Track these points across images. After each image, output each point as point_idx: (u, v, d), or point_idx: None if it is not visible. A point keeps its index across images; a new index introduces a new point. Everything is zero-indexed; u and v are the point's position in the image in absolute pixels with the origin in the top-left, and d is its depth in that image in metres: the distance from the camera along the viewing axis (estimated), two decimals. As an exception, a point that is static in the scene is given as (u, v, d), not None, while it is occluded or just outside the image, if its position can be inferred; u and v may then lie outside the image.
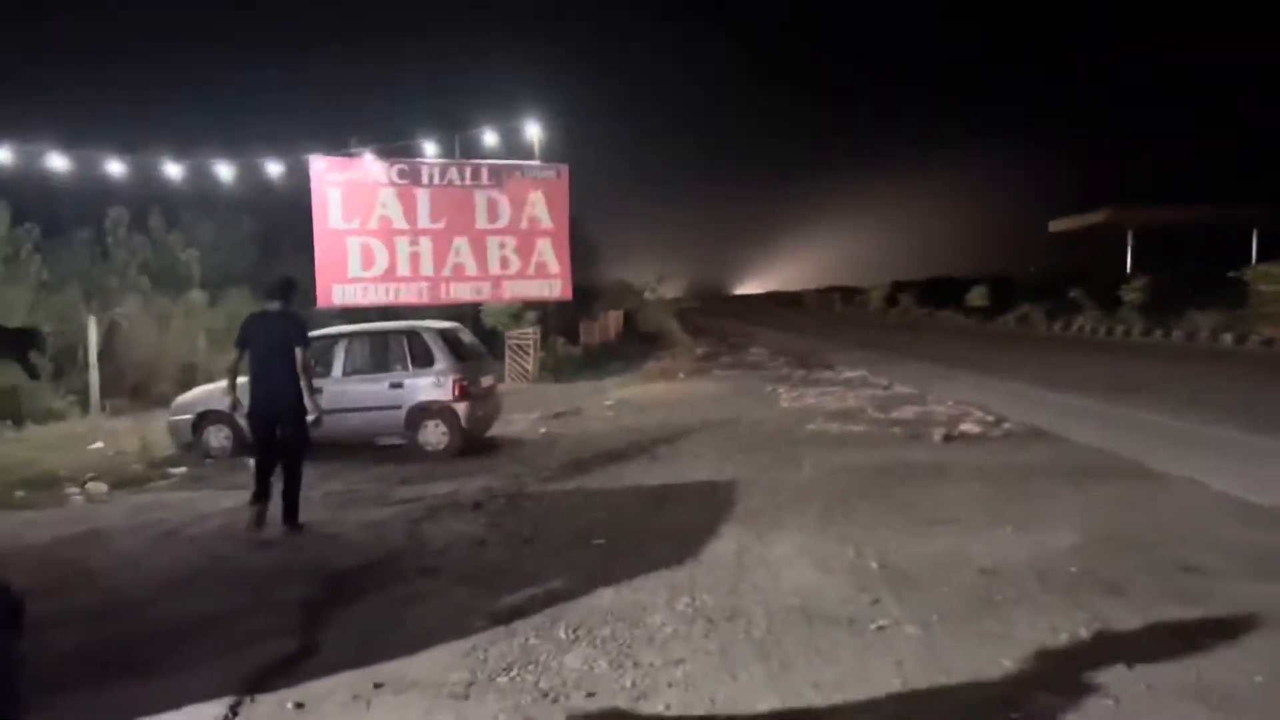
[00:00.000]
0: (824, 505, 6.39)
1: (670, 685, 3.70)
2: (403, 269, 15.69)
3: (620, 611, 4.42)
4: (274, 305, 6.32)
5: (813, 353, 20.65)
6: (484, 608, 4.65)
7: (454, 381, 9.49)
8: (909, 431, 9.46)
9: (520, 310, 19.49)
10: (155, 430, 10.52)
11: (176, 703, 3.50)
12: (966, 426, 9.60)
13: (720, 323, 42.49)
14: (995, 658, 3.81)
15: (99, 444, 10.63)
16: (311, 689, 3.57)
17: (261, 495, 6.30)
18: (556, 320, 21.04)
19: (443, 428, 9.47)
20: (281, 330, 6.25)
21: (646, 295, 37.61)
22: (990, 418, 10.06)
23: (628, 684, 3.72)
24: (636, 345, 24.55)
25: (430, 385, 9.45)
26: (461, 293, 15.98)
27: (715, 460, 8.48)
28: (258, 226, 21.68)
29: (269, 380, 6.22)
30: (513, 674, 3.89)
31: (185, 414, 10.01)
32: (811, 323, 40.04)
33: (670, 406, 12.70)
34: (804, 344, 24.95)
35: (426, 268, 15.81)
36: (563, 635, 4.30)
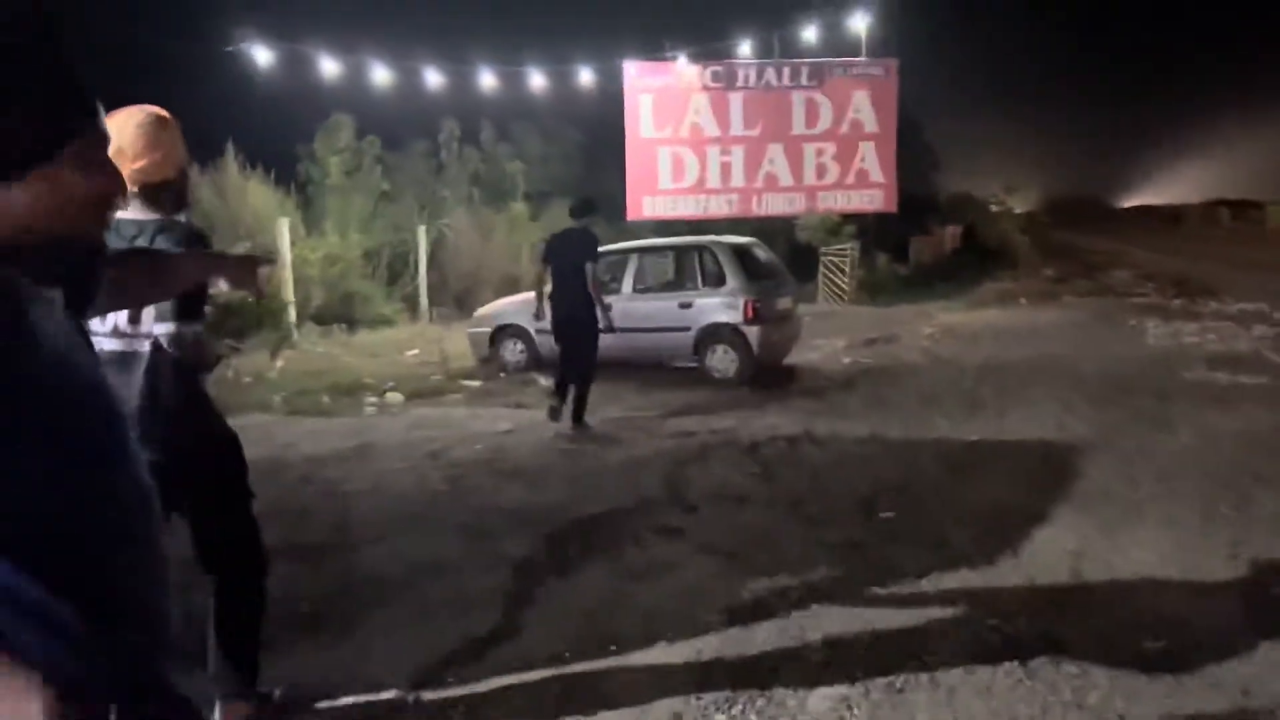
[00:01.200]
0: (1205, 490, 4.96)
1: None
2: (713, 180, 15.37)
3: (898, 633, 3.32)
4: (578, 223, 6.85)
5: (1191, 278, 18.18)
6: (721, 597, 3.72)
7: (746, 303, 8.95)
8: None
9: (838, 224, 18.62)
10: (461, 340, 10.83)
11: (347, 685, 3.04)
12: None
13: (1078, 240, 37.94)
14: None
15: (415, 351, 11.41)
16: (484, 690, 2.93)
17: (560, 393, 6.98)
18: (879, 235, 19.75)
19: (732, 353, 9.03)
20: (577, 247, 6.76)
21: (992, 208, 34.12)
22: None
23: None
24: (974, 265, 23.12)
25: (720, 306, 9.01)
26: (774, 205, 15.33)
27: (1053, 413, 7.11)
28: (582, 138, 21.89)
29: (565, 294, 6.79)
30: (735, 711, 2.85)
31: (483, 327, 10.28)
32: (1192, 242, 35.17)
33: (1004, 338, 11.72)
34: (1180, 266, 21.79)
35: (737, 178, 15.37)
36: (813, 656, 3.18)
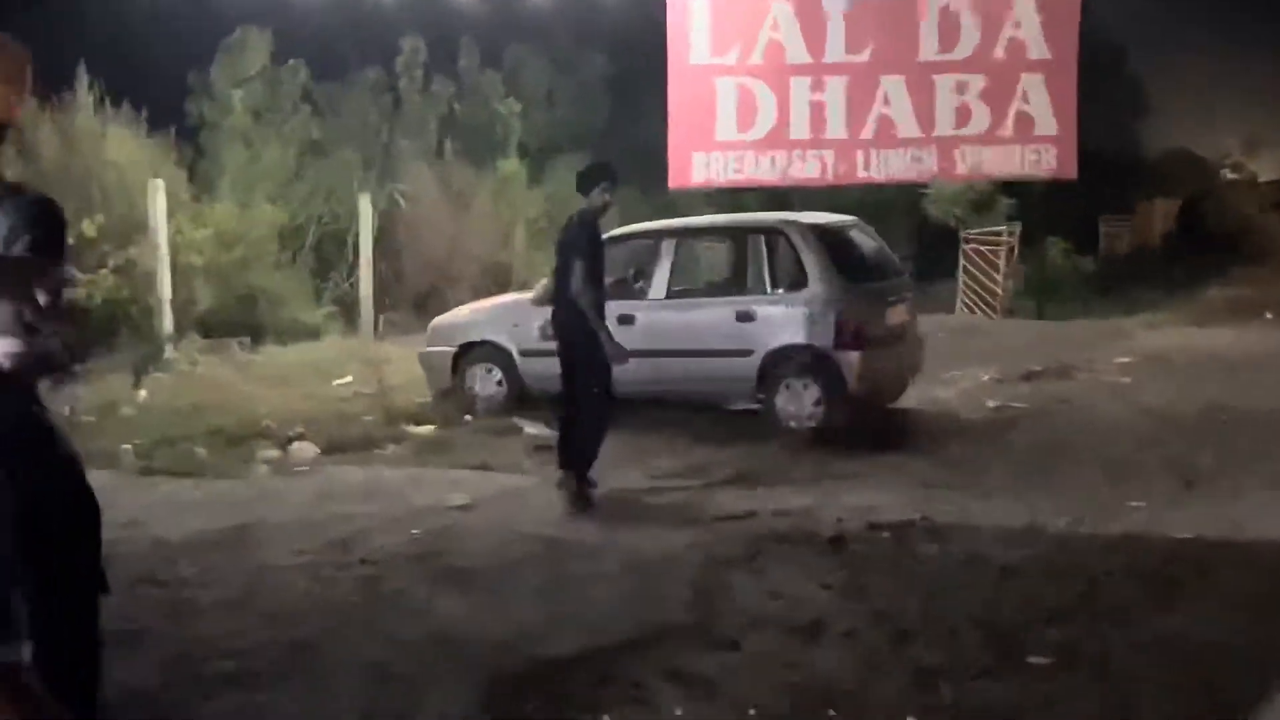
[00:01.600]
0: None
1: None
2: (798, 128, 14.71)
3: None
4: (585, 199, 7.25)
5: None
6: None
7: (837, 314, 8.91)
8: None
9: (988, 195, 18.82)
10: (414, 364, 10.87)
11: None
12: None
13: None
14: None
15: (347, 379, 11.47)
16: None
17: (571, 460, 7.22)
18: (1051, 214, 19.73)
19: (814, 391, 9.02)
20: (569, 235, 7.16)
21: (1225, 175, 33.58)
22: None
23: None
24: (1196, 259, 22.77)
25: (798, 319, 9.02)
26: (891, 165, 14.61)
27: (1321, 498, 6.84)
28: (607, 67, 22.08)
29: (560, 303, 7.24)
30: None
31: (443, 345, 10.31)
32: None
33: (1240, 374, 11.68)
34: None
35: (836, 126, 14.80)
36: None
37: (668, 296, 9.46)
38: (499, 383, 9.96)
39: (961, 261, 18.47)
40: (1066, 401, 10.41)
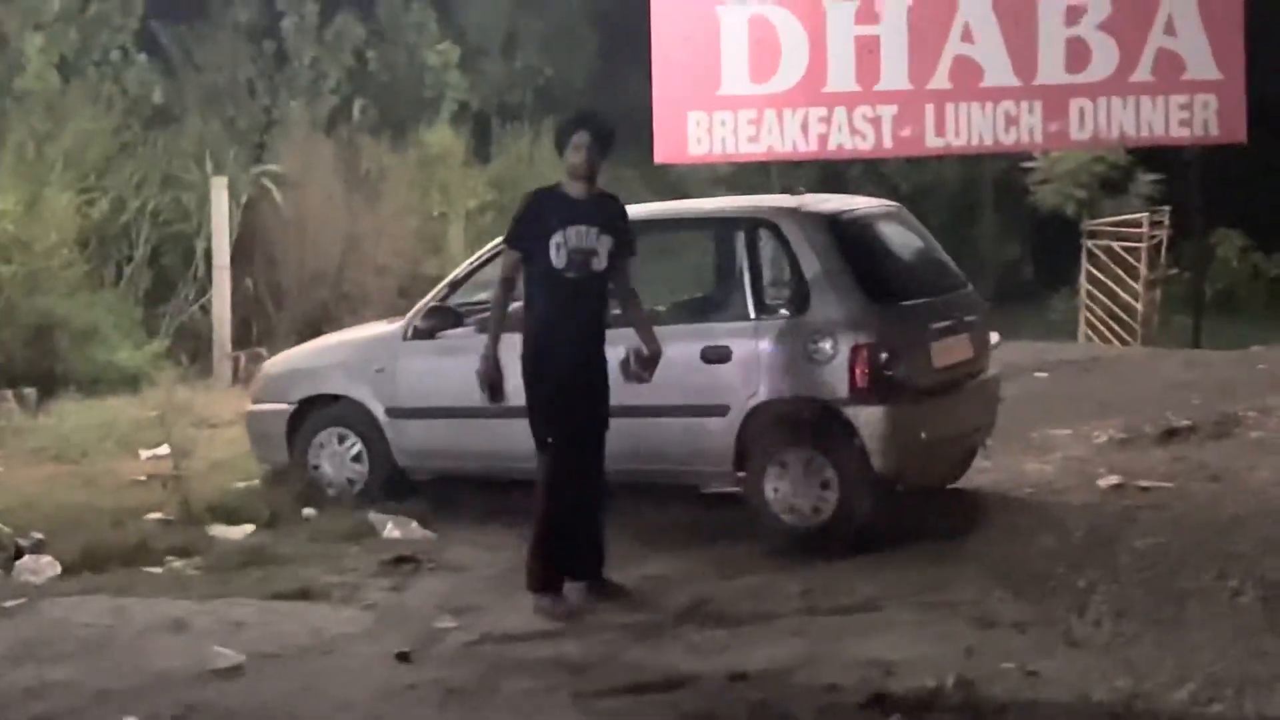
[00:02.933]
0: None
1: None
2: (840, 76, 15.46)
3: None
4: (573, 170, 7.26)
5: None
6: None
7: (854, 351, 8.19)
8: None
9: (1123, 168, 18.51)
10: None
11: None
12: None
13: None
14: None
15: (159, 450, 11.04)
16: None
17: (565, 566, 7.36)
18: (1212, 194, 18.71)
19: (820, 468, 8.36)
20: (595, 222, 7.22)
21: None
22: None
23: None
24: None
25: (792, 358, 8.42)
26: (976, 128, 15.18)
27: None
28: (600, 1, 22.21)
29: (573, 325, 7.32)
30: None
31: (274, 401, 9.97)
32: None
33: None
34: None
35: (895, 74, 15.09)
36: None
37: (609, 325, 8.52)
38: (356, 458, 9.48)
39: (1084, 266, 17.79)
40: (1220, 479, 9.63)
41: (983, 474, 9.77)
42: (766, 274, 8.70)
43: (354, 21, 19.52)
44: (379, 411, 9.21)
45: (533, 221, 7.23)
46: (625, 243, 7.32)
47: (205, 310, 15.20)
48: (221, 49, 18.41)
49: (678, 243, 10.02)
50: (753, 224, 8.75)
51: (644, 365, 7.42)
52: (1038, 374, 13.39)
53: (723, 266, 9.23)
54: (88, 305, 14.02)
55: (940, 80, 14.52)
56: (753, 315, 8.56)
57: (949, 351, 8.79)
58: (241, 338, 15.21)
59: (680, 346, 8.44)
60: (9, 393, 12.61)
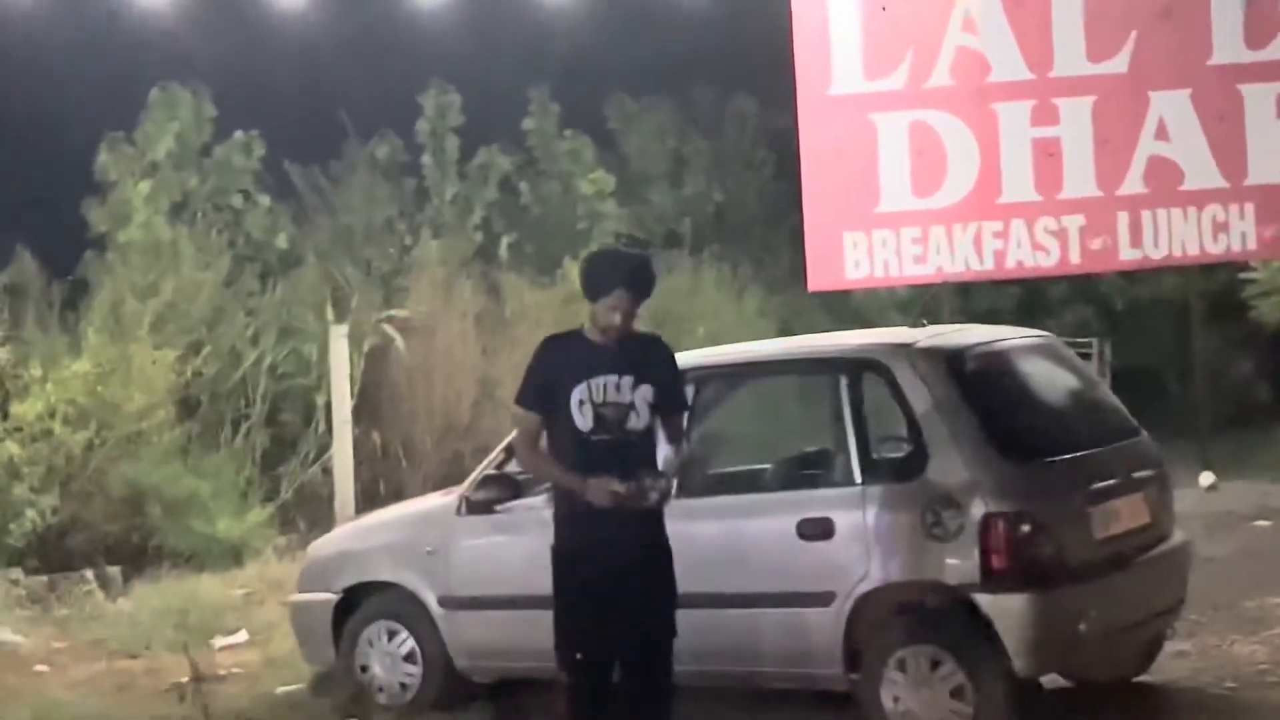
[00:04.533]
0: None
1: None
2: (1016, 184, 15.35)
3: None
4: (607, 309, 6.22)
5: None
6: None
7: (986, 520, 7.13)
8: None
9: None
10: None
11: None
12: None
13: None
14: None
15: (237, 636, 10.94)
16: None
17: None
18: None
19: (950, 669, 7.22)
20: (629, 370, 6.21)
21: None
22: None
23: None
24: None
25: (909, 532, 7.36)
26: (1179, 236, 14.13)
27: None
28: (776, 120, 21.70)
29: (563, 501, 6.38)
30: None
31: (316, 589, 9.23)
32: None
33: None
34: None
35: (1081, 179, 14.93)
36: None
37: (680, 494, 7.35)
38: (409, 657, 8.46)
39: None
40: None
41: (1178, 659, 8.50)
42: (875, 428, 7.58)
43: (498, 153, 19.33)
44: (431, 601, 8.26)
45: (547, 374, 6.09)
46: (672, 393, 6.18)
47: (327, 471, 14.62)
48: (358, 189, 18.25)
49: (765, 392, 8.86)
50: (856, 366, 7.63)
51: (652, 483, 6.04)
52: (1259, 523, 12.14)
53: (821, 420, 8.09)
54: (183, 472, 13.62)
55: (1134, 184, 13.78)
56: (859, 479, 7.43)
57: (1115, 518, 7.58)
58: (370, 497, 14.50)
59: (771, 520, 7.55)
60: (89, 573, 12.14)
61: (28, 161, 15.25)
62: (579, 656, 5.99)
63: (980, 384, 7.53)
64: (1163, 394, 19.81)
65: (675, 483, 6.24)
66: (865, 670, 7.24)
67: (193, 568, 12.82)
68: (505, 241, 18.60)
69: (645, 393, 6.01)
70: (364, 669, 8.55)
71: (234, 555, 13.18)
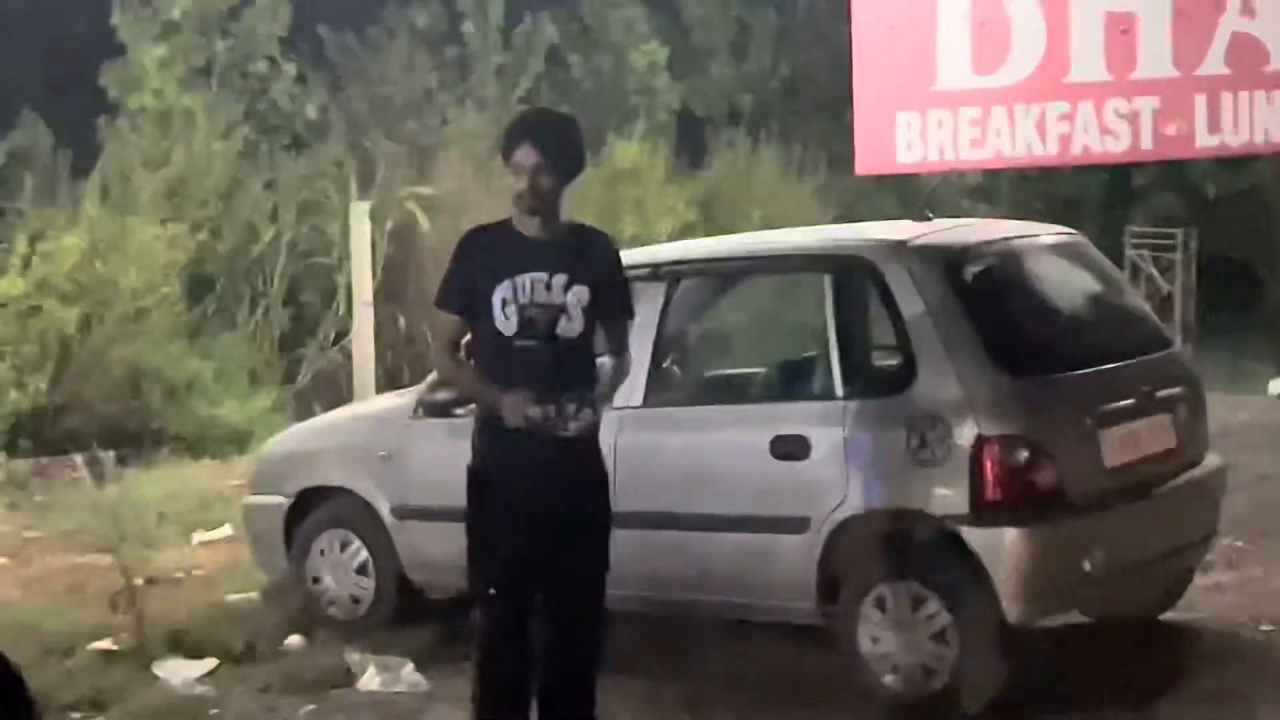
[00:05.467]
0: None
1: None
2: (1086, 63, 13.70)
3: None
4: (521, 199, 5.65)
5: None
6: None
7: (978, 444, 6.43)
8: None
9: None
10: None
11: None
12: None
13: None
14: None
15: (221, 531, 10.64)
16: None
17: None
18: None
19: (939, 614, 6.58)
20: (561, 268, 5.58)
21: None
22: None
23: None
24: None
25: (893, 454, 6.70)
26: (1261, 122, 12.81)
27: None
28: None
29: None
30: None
31: (268, 492, 8.78)
32: None
33: None
34: None
35: (1156, 59, 13.29)
36: None
37: (647, 403, 7.11)
38: (362, 569, 7.97)
39: None
40: None
41: (1213, 593, 7.88)
42: (860, 336, 6.86)
43: (546, 22, 18.71)
44: (385, 510, 7.74)
45: (469, 269, 5.48)
46: (613, 296, 5.50)
47: (347, 354, 14.35)
48: (395, 57, 17.76)
49: (739, 294, 8.20)
50: (842, 265, 6.91)
51: (578, 408, 5.37)
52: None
53: (800, 326, 7.66)
54: (187, 352, 13.30)
55: (1214, 64, 12.47)
56: (840, 393, 6.75)
57: (1133, 442, 6.85)
58: (394, 382, 14.11)
59: (741, 435, 6.87)
60: (78, 458, 11.85)
61: (47, 22, 14.82)
62: (491, 591, 5.45)
63: (982, 288, 6.82)
64: (1254, 287, 18.95)
65: (604, 408, 5.56)
66: (840, 607, 6.65)
67: (193, 454, 12.59)
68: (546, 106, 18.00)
69: (580, 294, 5.39)
70: (315, 580, 8.09)
71: (238, 441, 12.97)
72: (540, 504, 5.35)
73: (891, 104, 13.40)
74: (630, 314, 5.79)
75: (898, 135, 13.42)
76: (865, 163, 13.78)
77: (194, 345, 13.44)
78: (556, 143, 5.43)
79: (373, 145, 15.92)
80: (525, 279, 5.33)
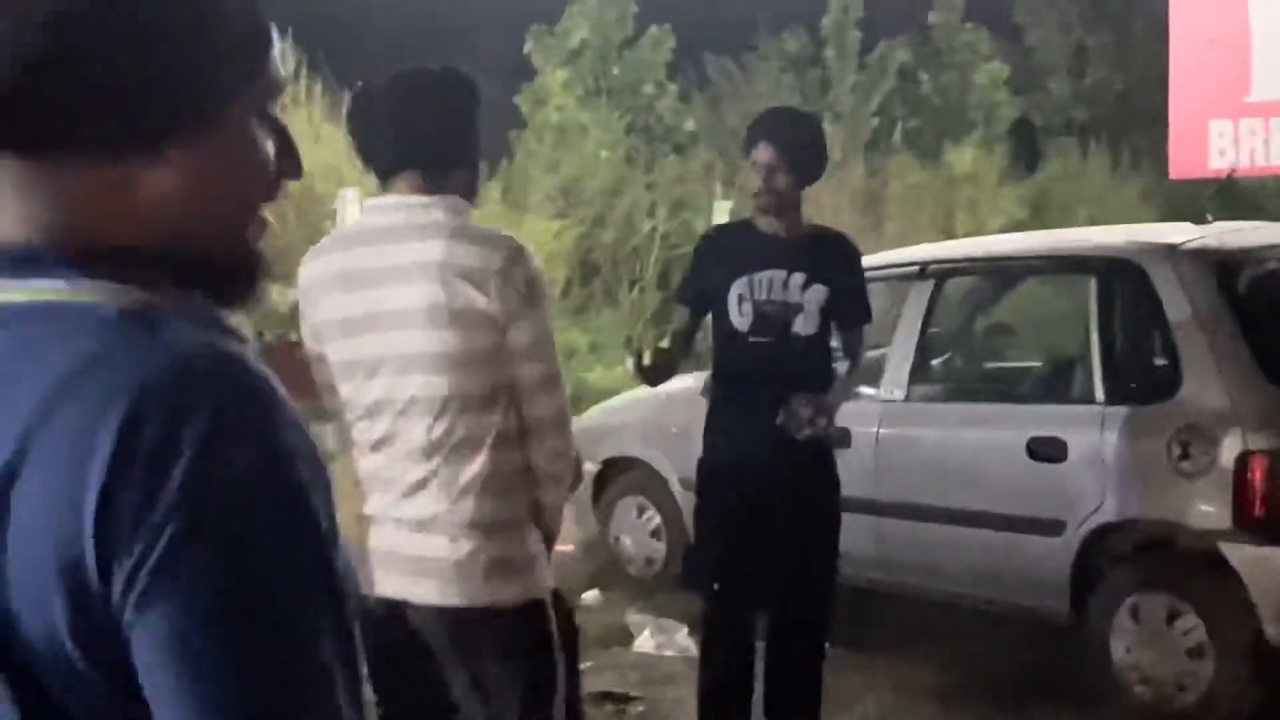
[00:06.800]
0: None
1: None
2: None
3: None
4: (759, 198, 4.72)
5: None
6: None
7: (1243, 459, 5.16)
8: None
9: None
10: None
11: None
12: None
13: None
14: None
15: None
16: None
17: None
18: None
19: (1196, 629, 5.40)
20: (799, 267, 4.64)
21: None
22: None
23: None
24: None
25: (1152, 463, 5.46)
26: None
27: None
28: None
29: (763, 416, 4.49)
30: None
31: (584, 459, 7.89)
32: None
33: None
34: None
35: None
36: None
37: (909, 398, 6.05)
38: (655, 533, 7.17)
39: None
40: None
41: None
42: (1123, 340, 5.54)
43: (899, 46, 17.70)
44: (674, 481, 6.86)
45: (708, 267, 4.60)
46: (851, 299, 4.50)
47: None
48: (765, 77, 17.10)
49: (996, 296, 6.75)
50: (1108, 267, 5.58)
51: (813, 413, 4.39)
52: None
53: (1065, 327, 6.37)
54: (570, 325, 12.79)
55: None
56: (1100, 398, 5.46)
57: None
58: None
59: (999, 434, 5.68)
60: None
61: (462, 58, 14.79)
62: (715, 586, 4.53)
63: (1256, 295, 5.34)
64: None
65: (836, 412, 4.50)
66: (1093, 613, 5.40)
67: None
68: (900, 126, 17.11)
69: (817, 294, 4.44)
70: (617, 540, 7.37)
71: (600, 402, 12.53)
72: (767, 504, 4.44)
73: (1205, 113, 11.81)
74: (868, 318, 4.73)
75: (1210, 142, 11.84)
76: (1178, 167, 12.25)
77: (574, 321, 13.00)
78: (794, 141, 4.45)
79: (731, 153, 15.07)
80: (762, 276, 4.46)
